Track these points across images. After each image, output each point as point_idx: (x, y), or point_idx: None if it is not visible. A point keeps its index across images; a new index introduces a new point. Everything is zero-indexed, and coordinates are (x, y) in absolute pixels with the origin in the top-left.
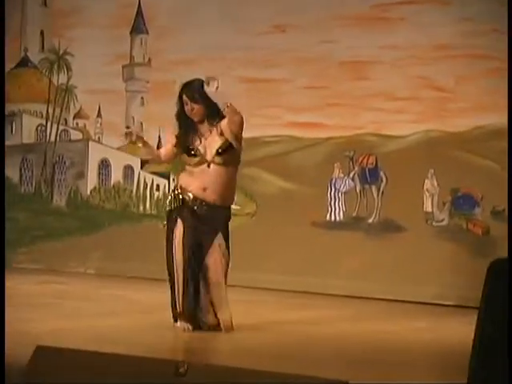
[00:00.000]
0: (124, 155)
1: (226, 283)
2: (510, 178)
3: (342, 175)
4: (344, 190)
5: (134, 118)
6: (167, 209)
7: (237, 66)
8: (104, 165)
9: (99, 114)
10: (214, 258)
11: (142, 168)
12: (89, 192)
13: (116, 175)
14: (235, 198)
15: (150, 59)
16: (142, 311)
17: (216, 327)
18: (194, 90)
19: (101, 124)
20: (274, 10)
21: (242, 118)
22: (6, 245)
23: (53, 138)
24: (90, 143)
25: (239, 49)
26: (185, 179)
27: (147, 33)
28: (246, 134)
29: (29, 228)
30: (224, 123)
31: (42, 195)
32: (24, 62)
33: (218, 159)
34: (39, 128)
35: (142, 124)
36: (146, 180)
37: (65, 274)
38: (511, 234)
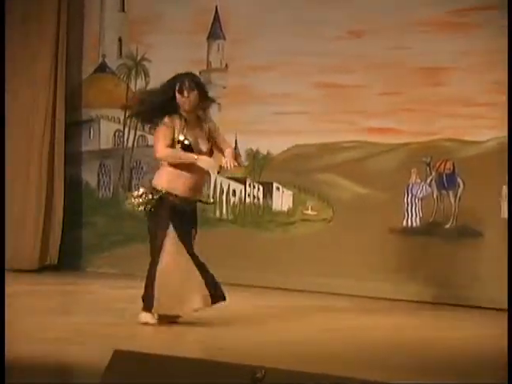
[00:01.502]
0: None
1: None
2: (510, 177)
3: (418, 181)
4: (421, 195)
5: None
6: None
7: (312, 71)
8: None
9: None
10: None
11: (218, 173)
12: None
13: None
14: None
15: (226, 65)
16: (217, 315)
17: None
18: (190, 79)
19: None
20: (349, 15)
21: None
22: (84, 249)
23: (130, 144)
24: None
25: (315, 54)
26: (177, 179)
27: (224, 38)
28: (322, 140)
29: (106, 233)
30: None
31: (120, 200)
32: (102, 68)
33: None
34: (117, 133)
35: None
36: (223, 185)
37: (138, 278)
38: (511, 234)
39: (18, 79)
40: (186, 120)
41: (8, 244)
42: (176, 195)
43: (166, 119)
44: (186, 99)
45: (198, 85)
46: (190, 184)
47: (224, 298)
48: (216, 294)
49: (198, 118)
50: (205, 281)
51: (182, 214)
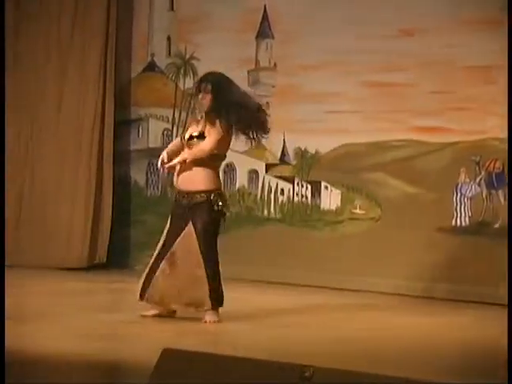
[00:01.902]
0: (249, 159)
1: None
2: (510, 177)
3: (467, 180)
4: (470, 195)
5: None
6: None
7: (362, 70)
8: (229, 169)
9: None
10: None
11: (266, 172)
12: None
13: (241, 179)
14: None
15: (275, 64)
16: (266, 315)
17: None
18: (209, 80)
19: None
20: (400, 13)
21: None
22: (133, 248)
23: None
24: None
25: (364, 53)
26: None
27: (273, 37)
28: (371, 139)
29: (155, 231)
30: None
31: (168, 199)
32: (151, 67)
33: (188, 144)
34: (165, 132)
35: None
36: (271, 184)
37: None
38: (511, 235)
39: (67, 79)
40: (201, 117)
41: (57, 243)
42: (177, 189)
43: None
44: (201, 100)
45: (214, 89)
46: (182, 177)
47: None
48: (142, 294)
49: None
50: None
51: (177, 209)
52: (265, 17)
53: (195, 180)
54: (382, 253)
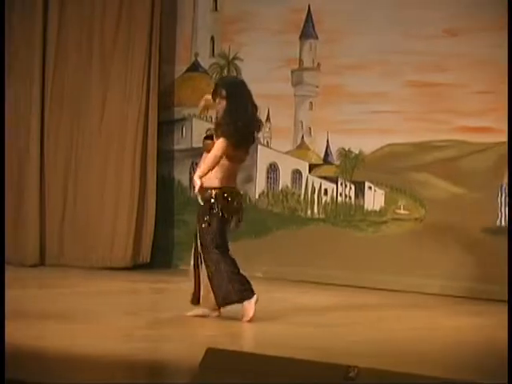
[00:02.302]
0: (292, 159)
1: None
2: (510, 178)
3: None
4: None
5: (302, 123)
6: None
7: (406, 70)
8: (272, 169)
9: (268, 119)
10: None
11: (310, 172)
12: (257, 196)
13: (284, 179)
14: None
15: (319, 64)
16: (309, 315)
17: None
18: (225, 85)
19: (269, 128)
20: (444, 13)
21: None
22: (176, 247)
23: None
24: (259, 147)
25: (409, 53)
26: None
27: (316, 37)
28: (415, 139)
29: None
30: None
31: None
32: (194, 67)
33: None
34: (209, 132)
35: (310, 129)
36: (314, 184)
37: None
38: (511, 236)
39: (111, 79)
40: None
41: (101, 243)
42: None
43: None
44: (217, 104)
45: (228, 94)
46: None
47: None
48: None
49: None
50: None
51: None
52: (308, 17)
53: (206, 176)
54: (425, 253)
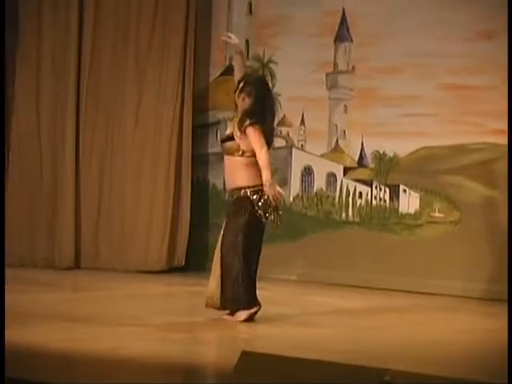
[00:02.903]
0: (327, 162)
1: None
2: (510, 179)
3: None
4: None
5: (336, 126)
6: None
7: (441, 73)
8: (307, 172)
9: (302, 122)
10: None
11: (344, 175)
12: (292, 199)
13: (318, 182)
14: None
15: (353, 67)
16: (345, 318)
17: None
18: (253, 84)
19: (304, 131)
20: (478, 16)
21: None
22: (211, 250)
23: None
24: (294, 150)
25: (443, 56)
26: None
27: (351, 40)
28: (449, 142)
29: None
30: (247, 132)
31: None
32: (229, 71)
33: (222, 146)
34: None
35: (344, 132)
36: (349, 187)
37: (268, 280)
38: (511, 238)
39: (146, 82)
40: (236, 118)
41: (136, 246)
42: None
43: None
44: (241, 101)
45: (256, 94)
46: (227, 177)
47: (223, 308)
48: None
49: (243, 117)
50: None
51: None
52: (343, 20)
53: (237, 177)
54: (461, 256)
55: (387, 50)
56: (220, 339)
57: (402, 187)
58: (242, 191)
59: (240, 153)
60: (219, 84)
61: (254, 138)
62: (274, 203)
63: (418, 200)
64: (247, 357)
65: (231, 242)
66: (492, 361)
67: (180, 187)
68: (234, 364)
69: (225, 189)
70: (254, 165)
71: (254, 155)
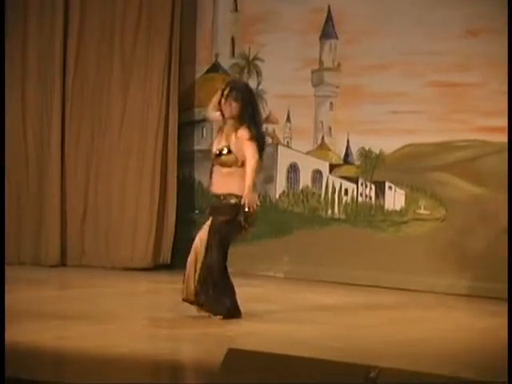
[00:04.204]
0: (313, 160)
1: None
2: (510, 178)
3: None
4: None
5: (322, 123)
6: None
7: (427, 70)
8: (293, 169)
9: (288, 119)
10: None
11: (330, 172)
12: (277, 196)
13: (304, 179)
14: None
15: (339, 64)
16: (331, 314)
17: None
18: (240, 89)
19: (290, 129)
20: (465, 14)
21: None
22: None
23: None
24: (280, 148)
25: (430, 53)
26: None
27: (337, 37)
28: (436, 139)
29: None
30: (241, 137)
31: None
32: (215, 68)
33: (216, 159)
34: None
35: (330, 129)
36: (335, 184)
37: (254, 276)
38: (511, 237)
39: (131, 80)
40: (225, 127)
41: (122, 243)
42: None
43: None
44: (228, 105)
45: (243, 99)
46: (212, 180)
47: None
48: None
49: (231, 127)
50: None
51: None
52: (329, 17)
53: (226, 183)
54: (446, 253)
55: (373, 48)
56: (207, 336)
57: (387, 184)
58: (236, 199)
59: (239, 164)
60: (205, 81)
61: (247, 144)
62: (249, 210)
63: (404, 197)
64: (234, 354)
65: (216, 244)
66: (475, 357)
67: (166, 184)
68: (220, 361)
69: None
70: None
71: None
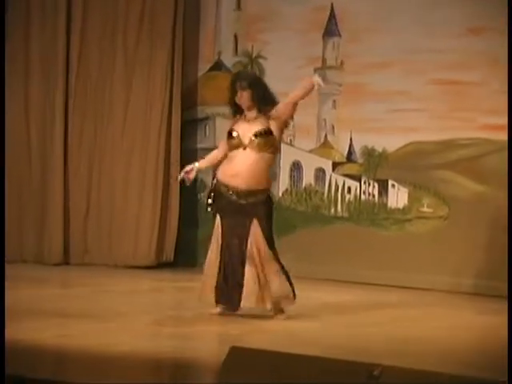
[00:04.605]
0: (316, 158)
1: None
2: (510, 178)
3: None
4: None
5: (325, 121)
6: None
7: (430, 68)
8: (296, 167)
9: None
10: (250, 246)
11: (333, 170)
12: (280, 194)
13: (307, 177)
14: (269, 185)
15: (342, 62)
16: (334, 313)
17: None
18: (244, 77)
19: (293, 127)
20: (467, 12)
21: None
22: (200, 246)
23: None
24: (283, 146)
25: (432, 51)
26: (222, 168)
27: (340, 35)
28: (438, 137)
29: None
30: (275, 115)
31: None
32: (217, 66)
33: (253, 142)
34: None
35: (333, 127)
36: (338, 182)
37: None
38: (511, 237)
39: (134, 78)
40: (242, 115)
41: (125, 242)
42: (226, 186)
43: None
44: (240, 97)
45: (251, 85)
46: (229, 171)
47: (233, 309)
48: (220, 299)
49: (258, 114)
50: (217, 281)
51: (231, 205)
52: (332, 15)
53: (261, 177)
54: (450, 251)
55: (376, 46)
56: (209, 334)
57: (390, 182)
58: (267, 193)
59: (272, 149)
60: (208, 79)
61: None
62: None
63: (407, 195)
64: (236, 352)
65: (269, 243)
66: (477, 355)
67: (169, 183)
68: (222, 360)
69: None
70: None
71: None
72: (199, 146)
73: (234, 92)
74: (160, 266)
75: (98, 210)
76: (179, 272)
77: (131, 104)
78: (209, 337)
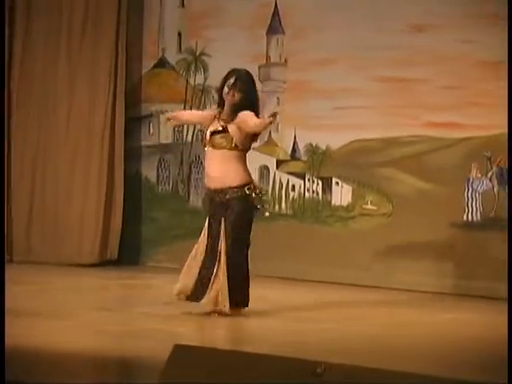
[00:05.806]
0: (260, 155)
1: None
2: (510, 178)
3: (479, 175)
4: (481, 190)
5: None
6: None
7: (374, 65)
8: None
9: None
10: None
11: (277, 168)
12: None
13: (252, 175)
14: (243, 181)
15: (286, 59)
16: (277, 310)
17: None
18: (244, 80)
19: None
20: (411, 9)
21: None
22: (144, 244)
23: (189, 139)
24: None
25: (376, 48)
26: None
27: (283, 33)
28: (383, 134)
29: (167, 227)
30: (241, 119)
31: (179, 195)
32: (161, 63)
33: (212, 140)
34: (176, 128)
35: (277, 124)
36: (282, 180)
37: None
38: (511, 235)
39: (78, 76)
40: (223, 113)
41: (69, 239)
42: (206, 184)
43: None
44: (231, 96)
45: (246, 91)
46: (207, 173)
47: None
48: (192, 296)
49: (232, 114)
50: (195, 278)
51: (213, 205)
52: (275, 12)
53: (235, 173)
54: (393, 248)
55: (320, 42)
56: (153, 332)
57: (334, 180)
58: (247, 188)
59: (233, 145)
60: (152, 77)
61: (250, 115)
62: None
63: (351, 192)
64: (180, 350)
65: (240, 240)
66: (424, 352)
67: (113, 180)
68: (165, 357)
69: (157, 181)
70: (245, 161)
71: (244, 150)
72: (143, 143)
73: (223, 84)
74: (104, 263)
75: (41, 207)
76: (123, 270)
77: (75, 103)
78: (153, 334)
